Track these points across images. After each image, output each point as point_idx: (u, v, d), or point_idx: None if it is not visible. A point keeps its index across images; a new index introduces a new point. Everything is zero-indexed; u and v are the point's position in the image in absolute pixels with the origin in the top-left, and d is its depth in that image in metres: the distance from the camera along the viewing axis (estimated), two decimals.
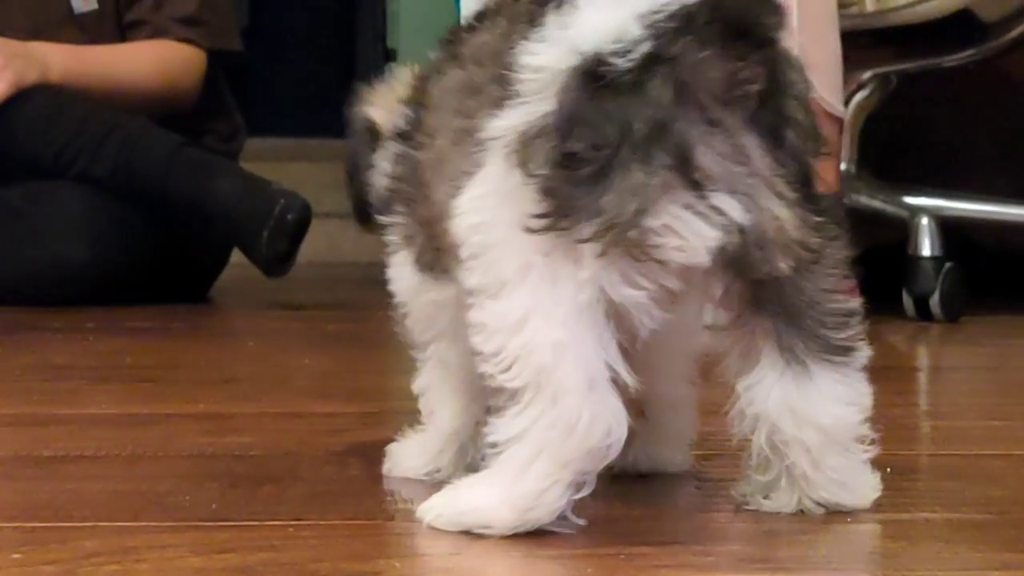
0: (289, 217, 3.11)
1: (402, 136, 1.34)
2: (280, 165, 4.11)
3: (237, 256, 3.31)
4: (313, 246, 3.31)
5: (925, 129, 3.37)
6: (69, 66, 3.17)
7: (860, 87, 3.03)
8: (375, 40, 5.54)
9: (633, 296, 1.13)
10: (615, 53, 1.10)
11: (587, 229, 1.11)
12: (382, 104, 1.39)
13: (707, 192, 1.12)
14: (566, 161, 1.11)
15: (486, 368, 1.15)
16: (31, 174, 3.11)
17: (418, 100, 1.33)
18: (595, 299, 1.13)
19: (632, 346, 1.16)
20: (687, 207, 1.12)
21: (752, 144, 1.14)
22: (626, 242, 1.11)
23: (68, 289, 3.05)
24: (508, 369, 1.14)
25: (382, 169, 1.37)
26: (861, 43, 2.94)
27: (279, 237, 3.11)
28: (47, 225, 3.09)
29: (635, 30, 1.10)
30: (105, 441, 1.58)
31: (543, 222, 1.12)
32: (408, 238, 1.34)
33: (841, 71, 2.76)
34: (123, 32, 3.31)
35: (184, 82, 3.29)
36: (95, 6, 3.28)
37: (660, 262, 1.13)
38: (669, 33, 1.11)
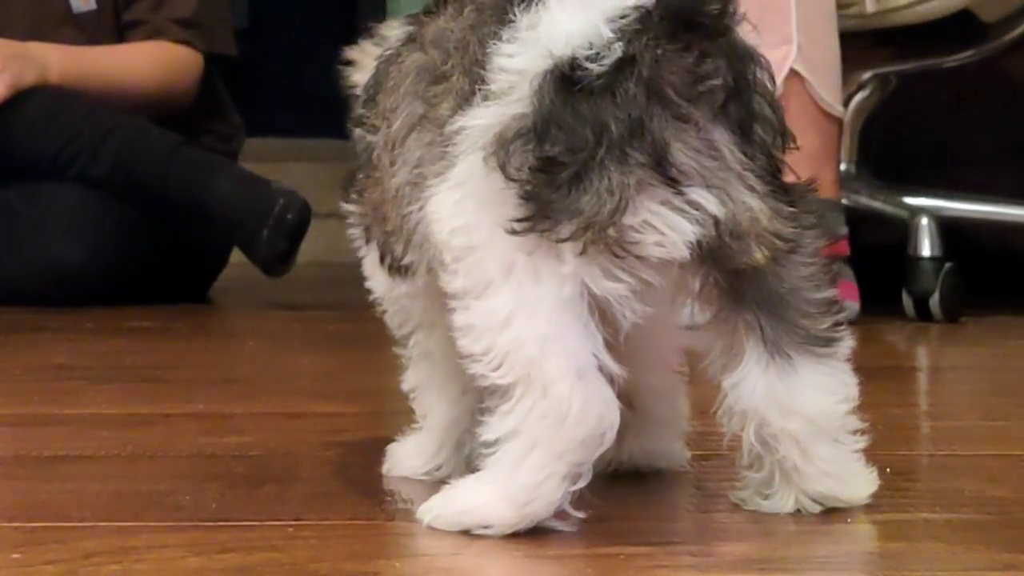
0: (289, 216, 3.11)
1: (358, 121, 1.34)
2: (280, 165, 4.11)
3: (237, 256, 3.30)
4: (313, 246, 3.30)
5: (925, 129, 3.36)
6: (67, 67, 3.16)
7: (860, 87, 3.03)
8: None
9: (614, 290, 1.14)
10: (588, 57, 1.11)
11: (566, 229, 1.12)
12: (364, 65, 1.40)
13: (683, 188, 1.13)
14: (544, 165, 1.12)
15: (476, 369, 1.16)
16: (30, 174, 3.10)
17: (376, 81, 1.33)
18: (578, 293, 1.14)
19: (616, 340, 1.17)
20: (664, 203, 1.13)
21: (722, 139, 1.15)
22: (605, 240, 1.12)
23: (67, 289, 3.05)
24: (499, 367, 1.14)
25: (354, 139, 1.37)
26: (861, 43, 2.94)
27: (279, 236, 3.11)
28: (46, 225, 3.08)
29: (606, 33, 1.11)
30: (105, 441, 1.58)
31: (524, 225, 1.13)
32: (366, 231, 1.35)
33: (840, 71, 2.76)
34: (121, 32, 3.31)
35: (181, 83, 3.29)
36: (94, 6, 3.28)
37: (640, 257, 1.14)
38: (632, 34, 1.12)
